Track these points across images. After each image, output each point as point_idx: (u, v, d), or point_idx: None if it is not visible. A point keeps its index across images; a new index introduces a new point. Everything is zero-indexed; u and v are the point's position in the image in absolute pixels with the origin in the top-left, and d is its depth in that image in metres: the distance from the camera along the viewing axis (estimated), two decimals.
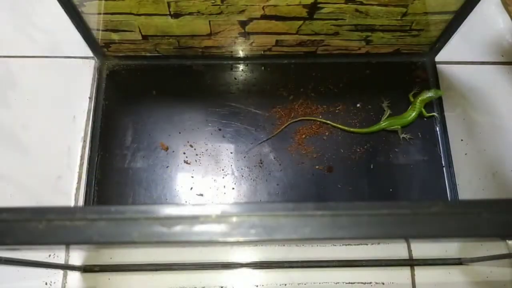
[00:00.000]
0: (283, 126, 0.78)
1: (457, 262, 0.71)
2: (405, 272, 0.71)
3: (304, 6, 0.67)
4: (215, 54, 0.81)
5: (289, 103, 0.80)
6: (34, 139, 0.78)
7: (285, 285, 0.70)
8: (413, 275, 0.71)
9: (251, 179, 0.75)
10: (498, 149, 0.79)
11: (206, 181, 0.75)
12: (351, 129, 0.78)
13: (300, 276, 0.70)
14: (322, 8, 0.68)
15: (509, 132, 0.80)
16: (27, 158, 0.76)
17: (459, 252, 0.72)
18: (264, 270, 0.71)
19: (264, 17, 0.69)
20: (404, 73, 0.83)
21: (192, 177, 0.75)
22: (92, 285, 0.69)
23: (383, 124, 0.78)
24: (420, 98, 0.77)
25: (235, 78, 0.82)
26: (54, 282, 0.69)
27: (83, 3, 0.65)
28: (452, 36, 0.76)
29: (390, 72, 0.83)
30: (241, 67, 0.83)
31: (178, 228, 0.30)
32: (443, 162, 0.77)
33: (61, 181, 0.75)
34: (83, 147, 0.77)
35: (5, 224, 0.30)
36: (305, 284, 0.70)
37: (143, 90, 0.81)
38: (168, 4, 0.66)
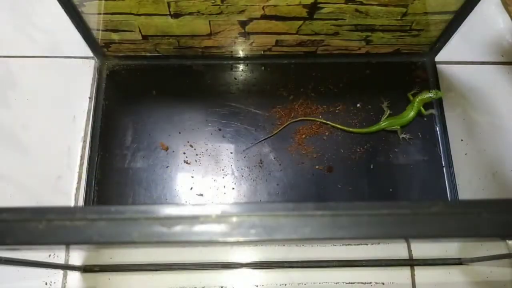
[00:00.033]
0: (283, 126, 0.78)
1: (457, 262, 0.71)
2: (405, 272, 0.71)
3: (304, 6, 0.67)
4: (215, 54, 0.81)
5: (289, 103, 0.80)
6: (34, 139, 0.78)
7: (285, 285, 0.70)
8: (413, 275, 0.71)
9: (251, 179, 0.75)
10: (498, 149, 0.79)
11: (206, 181, 0.75)
12: (351, 129, 0.78)
13: (300, 276, 0.70)
14: (322, 8, 0.68)
15: (509, 132, 0.80)
16: (27, 158, 0.76)
17: (459, 252, 0.72)
18: (264, 270, 0.71)
19: (264, 17, 0.69)
20: (404, 73, 0.83)
21: (192, 177, 0.75)
22: (92, 285, 0.69)
23: (382, 124, 0.78)
24: (419, 98, 0.77)
25: (235, 78, 0.82)
26: (54, 282, 0.69)
27: (83, 3, 0.65)
28: (452, 36, 0.76)
29: (390, 72, 0.83)
30: (241, 67, 0.83)
31: (178, 228, 0.30)
32: (443, 162, 0.77)
33: (61, 181, 0.75)
34: (83, 147, 0.77)
35: (5, 224, 0.30)
36: (305, 284, 0.70)
37: (143, 90, 0.81)
38: (168, 4, 0.66)
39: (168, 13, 0.68)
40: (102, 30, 0.73)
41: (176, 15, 0.69)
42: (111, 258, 0.70)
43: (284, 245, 0.72)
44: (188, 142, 0.77)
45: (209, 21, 0.70)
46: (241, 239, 0.30)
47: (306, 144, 0.77)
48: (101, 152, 0.76)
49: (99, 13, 0.68)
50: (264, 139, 0.77)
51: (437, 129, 0.79)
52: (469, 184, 0.76)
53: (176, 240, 0.30)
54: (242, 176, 0.75)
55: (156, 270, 0.70)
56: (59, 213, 0.31)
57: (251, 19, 0.70)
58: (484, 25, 0.88)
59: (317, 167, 0.76)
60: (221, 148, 0.77)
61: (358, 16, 0.70)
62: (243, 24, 0.72)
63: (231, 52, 0.81)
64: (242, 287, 0.70)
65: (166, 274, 0.70)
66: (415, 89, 0.80)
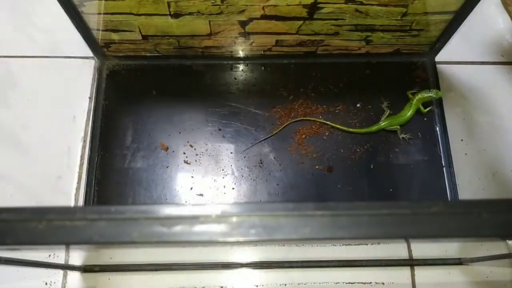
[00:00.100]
0: (283, 126, 0.78)
1: (457, 262, 0.71)
2: (405, 272, 0.71)
3: (304, 6, 0.67)
4: (215, 54, 0.81)
5: (289, 103, 0.80)
6: (34, 139, 0.78)
7: (285, 285, 0.70)
8: (413, 275, 0.71)
9: (251, 179, 0.75)
10: (498, 149, 0.79)
11: (206, 181, 0.75)
12: (351, 129, 0.78)
13: (300, 276, 0.70)
14: (322, 8, 0.68)
15: (509, 132, 0.80)
16: (27, 158, 0.76)
17: (459, 252, 0.72)
18: (264, 270, 0.71)
19: (264, 17, 0.69)
20: (404, 73, 0.83)
21: (192, 177, 0.75)
22: (92, 285, 0.69)
23: (382, 124, 0.78)
24: (418, 96, 0.77)
25: (235, 78, 0.82)
26: (54, 282, 0.69)
27: (83, 3, 0.65)
28: (452, 36, 0.76)
29: (390, 72, 0.83)
30: (241, 67, 0.83)
31: (178, 228, 0.30)
32: (443, 162, 0.77)
33: (61, 181, 0.75)
34: (83, 147, 0.77)
35: (5, 224, 0.30)
36: (305, 284, 0.70)
37: (143, 90, 0.81)
38: (168, 4, 0.66)
39: (168, 13, 0.68)
40: (102, 30, 0.73)
41: (176, 15, 0.69)
42: (111, 258, 0.70)
43: (284, 245, 0.72)
44: (188, 142, 0.77)
45: (209, 21, 0.70)
46: (241, 239, 0.30)
47: (306, 144, 0.77)
48: (101, 152, 0.76)
49: (99, 13, 0.68)
50: (264, 139, 0.77)
51: (437, 129, 0.79)
52: (469, 184, 0.76)
53: (176, 240, 0.30)
54: (242, 176, 0.75)
55: (156, 270, 0.70)
56: (59, 213, 0.31)
57: (251, 19, 0.70)
58: (484, 25, 0.88)
59: (317, 167, 0.76)
60: (221, 148, 0.77)
61: (358, 16, 0.70)
62: (243, 24, 0.72)
63: (231, 52, 0.81)
64: (242, 287, 0.70)
65: (166, 274, 0.70)
66: (415, 89, 0.80)
